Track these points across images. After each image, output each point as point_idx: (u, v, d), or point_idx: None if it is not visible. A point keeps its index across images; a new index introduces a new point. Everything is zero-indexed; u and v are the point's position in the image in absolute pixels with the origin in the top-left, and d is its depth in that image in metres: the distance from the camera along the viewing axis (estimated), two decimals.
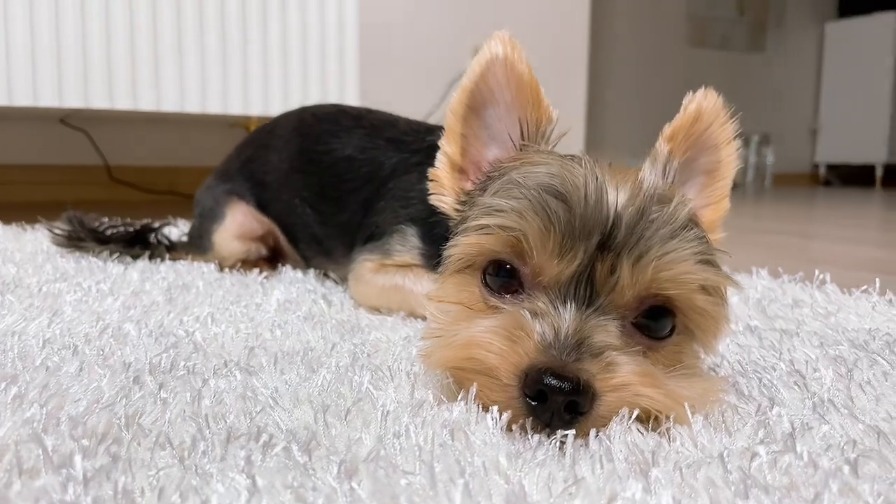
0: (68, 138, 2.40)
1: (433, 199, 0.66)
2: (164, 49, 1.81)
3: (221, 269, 1.02)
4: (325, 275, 1.01)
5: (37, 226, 1.33)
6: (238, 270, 1.00)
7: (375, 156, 0.90)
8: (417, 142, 0.88)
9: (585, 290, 0.49)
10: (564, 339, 0.47)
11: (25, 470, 0.38)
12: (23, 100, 1.69)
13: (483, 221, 0.52)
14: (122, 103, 1.79)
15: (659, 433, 0.46)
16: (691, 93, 0.66)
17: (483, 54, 0.63)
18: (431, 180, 0.67)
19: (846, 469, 0.41)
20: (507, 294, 0.52)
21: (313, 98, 1.96)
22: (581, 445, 0.43)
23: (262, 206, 1.02)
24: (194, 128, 2.58)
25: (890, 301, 0.87)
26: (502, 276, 0.52)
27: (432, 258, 0.77)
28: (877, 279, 0.93)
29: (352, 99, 2.01)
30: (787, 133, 4.77)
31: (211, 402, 0.49)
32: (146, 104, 1.81)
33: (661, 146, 0.61)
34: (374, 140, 0.91)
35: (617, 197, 0.50)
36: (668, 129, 0.62)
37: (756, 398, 0.54)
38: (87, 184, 2.48)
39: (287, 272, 0.99)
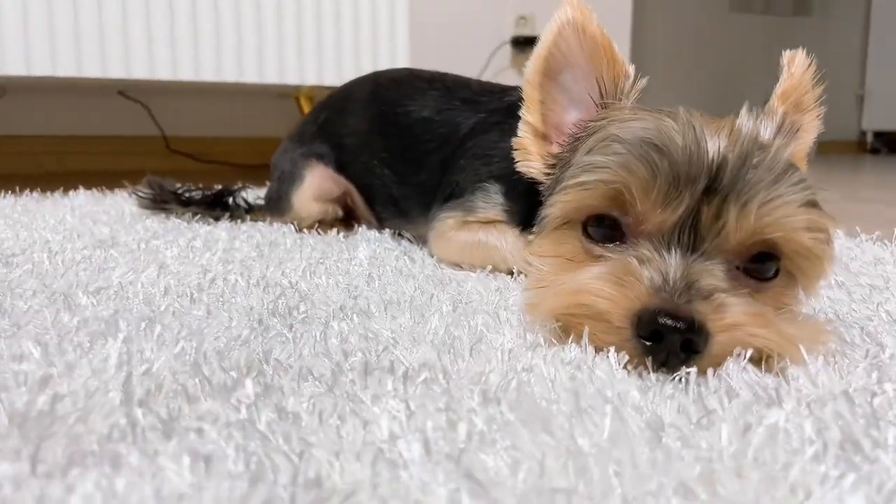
0: (126, 110, 2.45)
1: (520, 167, 0.68)
2: (225, 20, 1.85)
3: (300, 229, 1.04)
4: (399, 234, 1.03)
5: (116, 191, 1.38)
6: (317, 231, 1.03)
7: (452, 116, 0.91)
8: (494, 101, 0.90)
9: (689, 236, 0.50)
10: (673, 283, 0.48)
11: (191, 396, 0.41)
12: (92, 71, 1.74)
13: (582, 178, 0.54)
14: (185, 74, 1.83)
15: (774, 373, 0.47)
16: (787, 51, 0.67)
17: (554, 21, 0.64)
18: (516, 149, 0.68)
19: None
20: (610, 244, 0.54)
21: (366, 67, 1.97)
22: (698, 384, 0.45)
23: (340, 168, 1.05)
24: (246, 99, 2.62)
25: None
26: (604, 228, 0.54)
27: (515, 214, 0.79)
28: None
29: (402, 66, 2.02)
30: (832, 99, 4.61)
31: (337, 342, 0.51)
32: (207, 75, 1.86)
33: (776, 104, 0.62)
34: (450, 101, 0.93)
35: (718, 144, 0.51)
36: (779, 89, 0.64)
37: (860, 345, 0.55)
38: (145, 154, 2.54)
39: (364, 231, 1.02)
